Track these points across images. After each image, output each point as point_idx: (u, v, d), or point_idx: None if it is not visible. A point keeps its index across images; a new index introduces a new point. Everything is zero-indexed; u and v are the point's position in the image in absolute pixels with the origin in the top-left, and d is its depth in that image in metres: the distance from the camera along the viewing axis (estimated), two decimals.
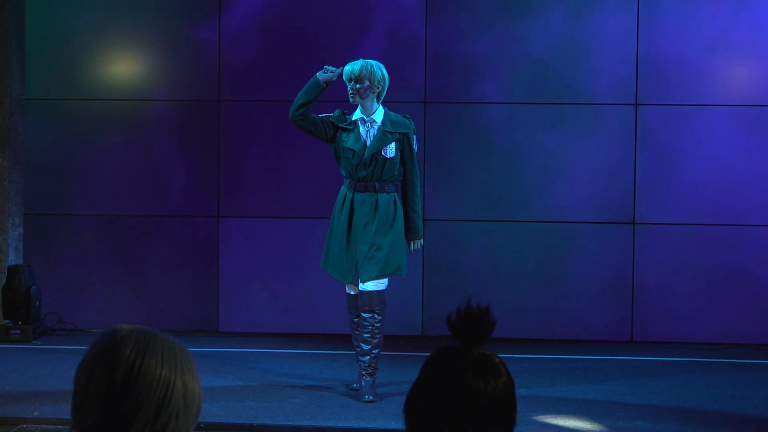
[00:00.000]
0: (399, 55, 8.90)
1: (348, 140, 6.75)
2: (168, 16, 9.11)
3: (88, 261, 9.13)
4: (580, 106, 8.91)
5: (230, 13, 9.08)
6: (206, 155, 9.11)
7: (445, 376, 1.93)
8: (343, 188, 6.86)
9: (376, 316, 6.72)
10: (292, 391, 6.94)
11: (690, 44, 8.85)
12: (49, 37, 9.14)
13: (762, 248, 8.84)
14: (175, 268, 9.12)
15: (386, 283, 6.79)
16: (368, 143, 6.75)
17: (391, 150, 6.77)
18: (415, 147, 6.86)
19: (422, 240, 7.00)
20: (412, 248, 6.96)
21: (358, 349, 6.82)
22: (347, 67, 6.75)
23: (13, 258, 8.96)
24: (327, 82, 6.74)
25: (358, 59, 6.82)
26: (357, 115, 6.80)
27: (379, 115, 6.79)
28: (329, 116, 6.81)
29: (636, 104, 8.89)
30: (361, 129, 6.78)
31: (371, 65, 6.75)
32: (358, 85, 6.71)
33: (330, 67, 6.76)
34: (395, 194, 6.82)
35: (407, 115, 6.94)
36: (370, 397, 6.68)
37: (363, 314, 6.74)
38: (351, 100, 6.77)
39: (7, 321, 8.56)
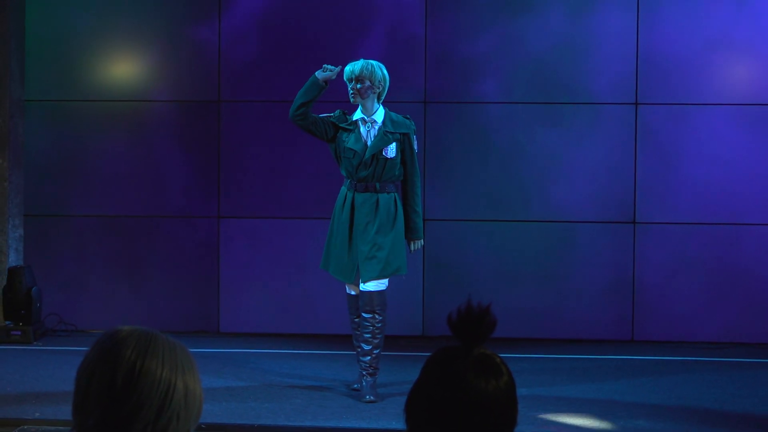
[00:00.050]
0: (399, 55, 8.90)
1: (349, 140, 6.75)
2: (167, 17, 9.11)
3: (89, 262, 9.13)
4: (580, 105, 8.91)
5: (230, 13, 9.08)
6: (206, 156, 9.11)
7: (446, 375, 1.93)
8: (344, 188, 6.86)
9: (376, 317, 6.72)
10: (293, 392, 6.94)
11: (690, 43, 8.85)
12: (48, 38, 9.14)
13: (762, 247, 8.84)
14: (175, 268, 9.12)
15: (387, 283, 6.79)
16: (369, 143, 6.75)
17: (391, 150, 6.77)
18: (415, 147, 6.86)
19: (422, 240, 7.00)
20: (412, 248, 6.96)
21: (359, 350, 6.82)
22: (348, 68, 6.75)
23: (14, 259, 8.96)
24: (326, 81, 6.74)
25: (358, 59, 6.83)
26: (357, 115, 6.80)
27: (379, 115, 6.79)
28: (330, 116, 6.80)
29: (636, 103, 8.89)
30: (362, 129, 6.78)
31: (372, 65, 6.75)
32: (358, 85, 6.71)
33: (329, 66, 6.75)
34: (395, 194, 6.82)
35: (408, 116, 6.95)
36: (371, 398, 6.68)
37: (364, 314, 6.74)
38: (352, 100, 6.77)
39: (7, 322, 8.56)
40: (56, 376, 7.28)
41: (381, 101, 6.83)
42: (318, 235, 8.24)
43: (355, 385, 6.94)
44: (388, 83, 6.83)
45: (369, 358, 6.74)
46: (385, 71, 6.80)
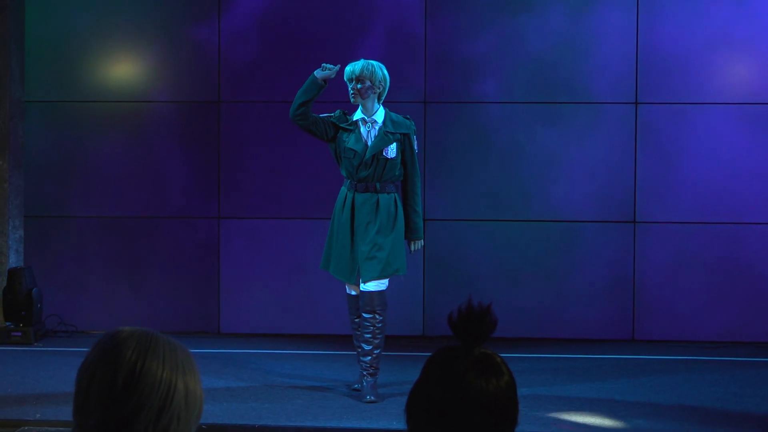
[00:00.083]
0: (399, 55, 8.90)
1: (349, 140, 6.75)
2: (167, 17, 9.11)
3: (89, 263, 9.13)
4: (580, 105, 8.91)
5: (230, 13, 9.08)
6: (206, 156, 9.11)
7: (446, 375, 1.93)
8: (344, 189, 6.86)
9: (377, 317, 6.72)
10: (293, 392, 6.94)
11: (690, 42, 8.85)
12: (48, 38, 9.14)
13: (763, 246, 8.84)
14: (175, 269, 9.12)
15: (387, 283, 6.79)
16: (369, 144, 6.75)
17: (392, 150, 6.77)
18: (415, 147, 6.86)
19: (423, 240, 7.00)
20: (412, 249, 6.96)
21: (360, 350, 6.82)
22: (348, 68, 6.75)
23: (14, 260, 8.96)
24: (325, 80, 6.73)
25: (358, 59, 6.83)
26: (358, 115, 6.80)
27: (380, 115, 6.79)
28: (330, 116, 6.80)
29: (636, 103, 8.89)
30: (362, 129, 6.78)
31: (372, 65, 6.75)
32: (359, 85, 6.71)
33: (328, 65, 6.75)
34: (396, 195, 6.82)
35: (408, 116, 6.95)
36: (372, 398, 6.68)
37: (364, 314, 6.74)
38: (352, 100, 6.77)
39: (8, 323, 8.56)
40: (57, 377, 7.28)
41: (381, 102, 6.84)
42: (318, 236, 8.24)
43: (356, 386, 6.94)
44: (388, 84, 6.83)
45: (369, 358, 6.74)
46: (386, 72, 6.81)
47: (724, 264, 8.85)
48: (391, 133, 6.77)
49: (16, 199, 8.99)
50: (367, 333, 6.73)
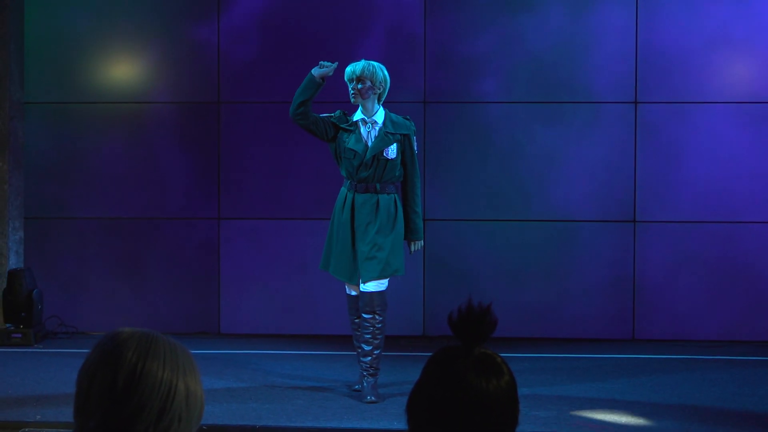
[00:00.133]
0: (398, 55, 8.90)
1: (349, 141, 6.75)
2: (167, 18, 9.11)
3: (89, 264, 9.13)
4: (580, 104, 8.91)
5: (229, 13, 9.08)
6: (206, 157, 9.11)
7: (446, 375, 1.93)
8: (344, 189, 6.86)
9: (377, 317, 6.72)
10: (294, 393, 6.94)
11: (689, 41, 8.85)
12: (48, 40, 9.14)
13: (763, 245, 8.84)
14: (176, 270, 9.12)
15: (387, 283, 6.79)
16: (369, 144, 6.75)
17: (392, 151, 6.77)
18: (415, 148, 6.87)
19: (422, 241, 7.00)
20: (412, 249, 6.97)
21: (360, 350, 6.82)
22: (349, 68, 6.76)
23: (14, 262, 8.96)
24: (323, 78, 6.73)
25: (359, 60, 6.83)
26: (358, 116, 6.81)
27: (380, 116, 6.80)
28: (330, 116, 6.81)
29: (636, 102, 8.89)
30: (362, 130, 6.78)
31: (373, 66, 6.75)
32: (359, 85, 6.71)
33: (325, 63, 6.75)
34: (396, 195, 6.82)
35: (408, 117, 6.95)
36: (372, 398, 6.68)
37: (364, 315, 6.74)
38: (352, 100, 6.78)
39: (8, 325, 8.56)
40: (57, 379, 7.28)
41: (381, 102, 6.84)
42: (318, 236, 8.24)
43: (357, 386, 6.94)
44: (388, 85, 6.83)
45: (369, 358, 6.74)
46: (386, 73, 6.81)
47: (724, 263, 8.86)
48: (391, 134, 6.78)
49: (16, 200, 8.99)
50: (367, 333, 6.73)
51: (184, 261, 9.11)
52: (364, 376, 6.77)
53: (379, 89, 6.77)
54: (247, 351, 8.39)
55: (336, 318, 8.73)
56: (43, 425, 6.09)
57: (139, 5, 9.11)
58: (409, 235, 6.88)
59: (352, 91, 6.75)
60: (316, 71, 6.72)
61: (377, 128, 6.77)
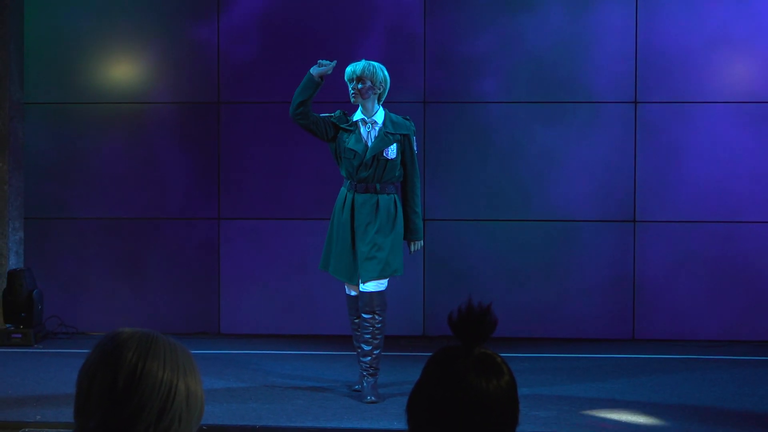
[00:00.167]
0: (398, 55, 8.90)
1: (349, 141, 6.75)
2: (166, 18, 9.11)
3: (89, 264, 9.13)
4: (580, 104, 8.91)
5: (229, 13, 9.08)
6: (206, 157, 9.11)
7: (446, 375, 1.93)
8: (343, 189, 6.86)
9: (376, 317, 6.72)
10: (294, 393, 6.94)
11: (689, 41, 8.85)
12: (48, 40, 9.14)
13: (763, 245, 8.84)
14: (176, 270, 9.12)
15: (386, 283, 6.79)
16: (369, 144, 6.75)
17: (392, 151, 6.77)
18: (415, 148, 6.87)
19: (422, 241, 7.00)
20: (412, 249, 6.97)
21: (359, 350, 6.82)
22: (349, 68, 6.76)
23: (14, 262, 8.96)
24: (322, 77, 6.73)
25: (359, 60, 6.83)
26: (358, 116, 6.81)
27: (380, 116, 6.80)
28: (330, 116, 6.81)
29: (635, 102, 8.89)
30: (362, 130, 6.78)
31: (373, 66, 6.76)
32: (360, 85, 6.71)
33: (323, 61, 6.75)
34: (395, 195, 6.82)
35: (407, 117, 6.95)
36: (372, 398, 6.68)
37: (364, 315, 6.74)
38: (352, 100, 6.78)
39: (8, 325, 8.56)
40: (57, 379, 7.28)
41: (381, 102, 6.84)
42: (318, 235, 8.24)
43: (357, 386, 6.94)
44: (388, 85, 6.83)
45: (369, 358, 6.74)
46: (386, 73, 6.81)
47: (724, 263, 8.85)
48: (391, 134, 6.78)
49: (16, 200, 8.99)
50: (367, 333, 6.73)
51: (184, 261, 9.11)
52: (364, 376, 6.77)
53: (379, 89, 6.77)
54: (247, 351, 8.39)
55: (336, 318, 8.73)
56: (43, 425, 6.09)
57: (139, 5, 9.11)
58: (409, 235, 6.88)
59: (352, 91, 6.75)
60: (314, 70, 6.73)
61: (377, 128, 6.77)
